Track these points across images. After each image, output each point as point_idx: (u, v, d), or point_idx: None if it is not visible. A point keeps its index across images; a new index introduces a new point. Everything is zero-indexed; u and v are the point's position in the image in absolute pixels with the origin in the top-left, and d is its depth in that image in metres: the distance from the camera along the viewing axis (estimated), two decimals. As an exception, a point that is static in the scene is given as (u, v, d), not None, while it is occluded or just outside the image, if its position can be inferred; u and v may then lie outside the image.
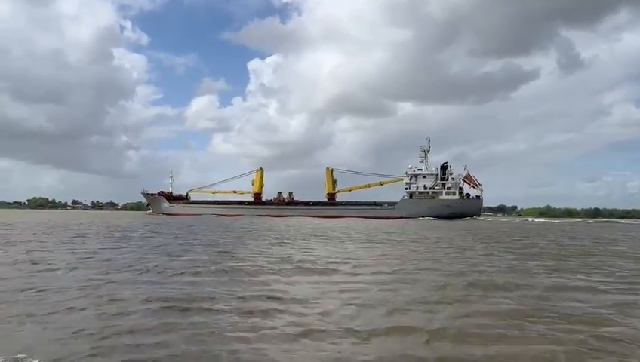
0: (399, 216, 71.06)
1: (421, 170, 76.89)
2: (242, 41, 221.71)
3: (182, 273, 9.06)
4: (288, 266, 10.47)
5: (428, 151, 77.60)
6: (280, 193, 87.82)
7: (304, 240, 19.82)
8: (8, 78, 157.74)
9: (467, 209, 72.70)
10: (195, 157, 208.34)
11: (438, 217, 69.22)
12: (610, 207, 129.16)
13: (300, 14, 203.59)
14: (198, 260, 11.32)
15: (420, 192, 75.86)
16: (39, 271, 8.84)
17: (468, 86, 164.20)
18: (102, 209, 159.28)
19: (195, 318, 5.28)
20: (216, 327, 4.93)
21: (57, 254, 12.26)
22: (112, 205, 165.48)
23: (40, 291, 6.61)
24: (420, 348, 4.29)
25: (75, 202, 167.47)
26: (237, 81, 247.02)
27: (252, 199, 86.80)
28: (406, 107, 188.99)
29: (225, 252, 13.69)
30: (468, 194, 74.98)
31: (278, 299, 6.64)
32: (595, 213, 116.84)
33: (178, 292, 6.89)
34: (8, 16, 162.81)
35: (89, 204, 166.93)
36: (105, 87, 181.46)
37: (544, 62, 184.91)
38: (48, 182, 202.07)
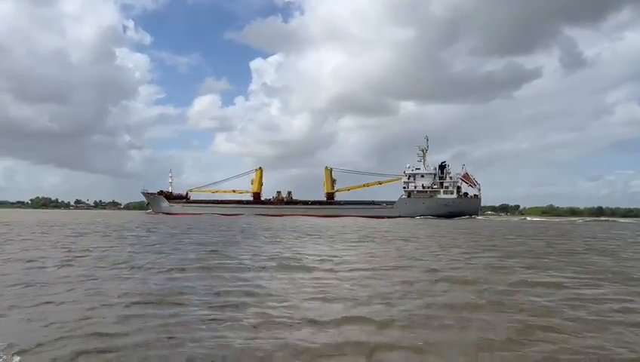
0: (397, 215, 71.47)
1: (419, 169, 77.35)
2: (245, 40, 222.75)
3: (167, 270, 9.42)
4: (273, 264, 10.81)
5: (426, 151, 78.09)
6: (279, 192, 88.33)
7: (296, 239, 20.17)
8: (11, 78, 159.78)
9: (465, 208, 73.04)
10: (198, 157, 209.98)
11: (437, 216, 69.54)
12: (613, 205, 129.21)
13: (302, 13, 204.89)
14: (186, 258, 11.68)
15: (418, 191, 76.24)
16: (30, 269, 9.22)
17: (470, 85, 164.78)
18: (104, 208, 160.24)
19: (167, 311, 5.65)
20: (186, 319, 5.30)
21: (51, 252, 12.65)
22: (114, 205, 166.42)
23: (26, 286, 6.99)
24: (365, 335, 4.65)
25: (77, 202, 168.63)
26: (239, 80, 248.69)
27: (251, 198, 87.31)
28: (408, 106, 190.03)
29: (215, 250, 14.04)
30: (466, 193, 75.38)
31: (253, 294, 6.98)
32: (598, 212, 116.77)
33: (158, 288, 7.26)
34: (11, 16, 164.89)
35: (92, 204, 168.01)
36: (107, 86, 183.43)
37: (547, 60, 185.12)
38: (51, 181, 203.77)
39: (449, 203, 72.89)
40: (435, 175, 76.24)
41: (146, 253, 13.02)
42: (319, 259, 11.94)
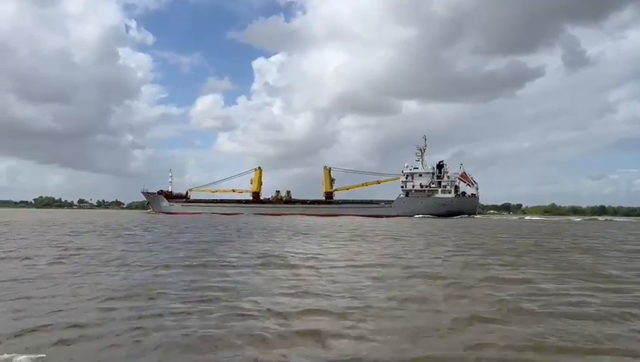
0: (396, 214, 71.78)
1: (417, 168, 77.68)
2: (247, 40, 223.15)
3: (154, 267, 9.79)
4: (258, 261, 11.16)
5: (424, 150, 78.41)
6: (278, 192, 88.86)
7: (289, 238, 20.52)
8: (15, 78, 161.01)
9: (463, 207, 73.32)
10: (200, 156, 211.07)
11: (435, 215, 69.81)
12: (616, 204, 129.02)
13: (304, 13, 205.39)
14: (175, 256, 12.05)
15: (416, 190, 76.61)
16: (21, 266, 9.61)
17: (473, 84, 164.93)
18: (107, 208, 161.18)
19: (141, 304, 6.01)
20: (156, 311, 5.66)
21: (46, 250, 13.05)
22: (117, 204, 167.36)
23: (12, 281, 7.38)
24: (322, 324, 5.02)
25: (81, 201, 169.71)
26: (242, 80, 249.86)
27: (251, 198, 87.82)
28: (411, 105, 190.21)
29: (206, 249, 14.41)
30: (464, 193, 75.67)
31: (229, 289, 7.32)
32: (601, 211, 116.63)
33: (138, 283, 7.63)
34: (15, 16, 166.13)
35: (95, 203, 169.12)
36: (110, 86, 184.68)
37: (549, 59, 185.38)
38: (55, 181, 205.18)
39: (447, 202, 73.19)
40: (433, 174, 76.60)
41: (138, 251, 13.38)
42: (304, 256, 12.29)
